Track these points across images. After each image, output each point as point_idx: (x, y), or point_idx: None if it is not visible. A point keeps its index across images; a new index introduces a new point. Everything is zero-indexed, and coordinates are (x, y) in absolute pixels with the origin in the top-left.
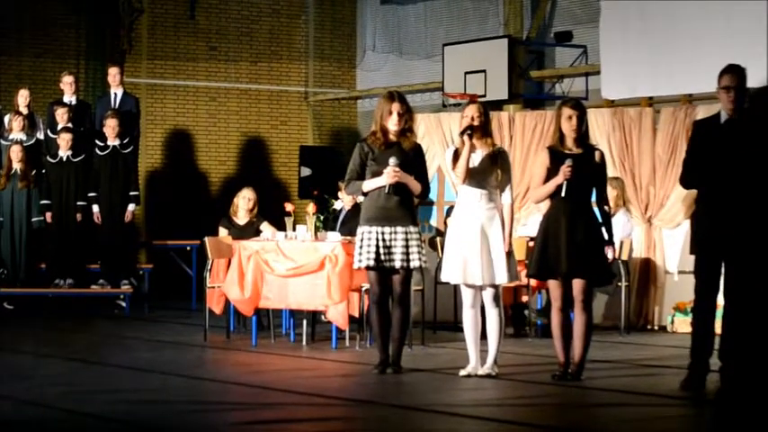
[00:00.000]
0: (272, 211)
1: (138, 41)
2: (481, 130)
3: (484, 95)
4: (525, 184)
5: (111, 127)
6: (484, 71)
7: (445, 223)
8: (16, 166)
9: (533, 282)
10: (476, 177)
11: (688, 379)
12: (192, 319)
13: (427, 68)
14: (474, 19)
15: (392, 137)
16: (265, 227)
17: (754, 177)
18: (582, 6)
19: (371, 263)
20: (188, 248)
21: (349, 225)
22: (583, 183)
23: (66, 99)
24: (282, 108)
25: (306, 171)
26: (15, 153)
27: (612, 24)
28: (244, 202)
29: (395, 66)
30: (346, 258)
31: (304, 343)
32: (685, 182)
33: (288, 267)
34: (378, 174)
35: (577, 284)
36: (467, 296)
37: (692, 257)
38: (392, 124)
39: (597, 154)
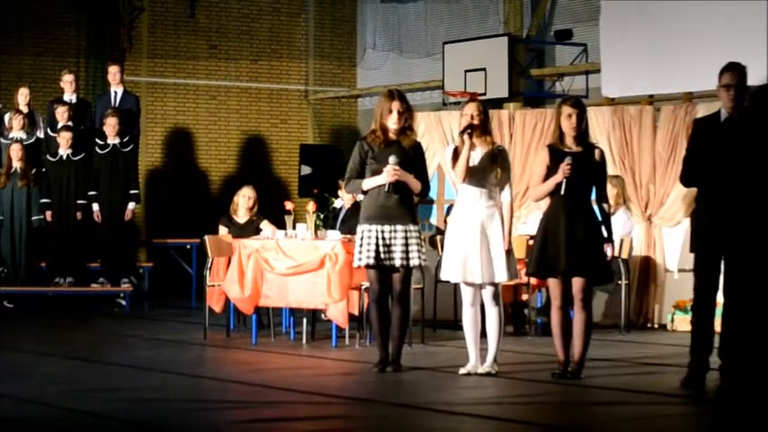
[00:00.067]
0: (272, 210)
1: (139, 40)
2: (481, 128)
3: (484, 94)
4: (525, 183)
5: (111, 125)
6: (484, 69)
7: (445, 221)
8: (16, 164)
9: (533, 280)
10: (475, 176)
11: (688, 377)
12: (191, 318)
13: (427, 67)
14: (474, 17)
15: (392, 135)
16: (265, 225)
17: (754, 176)
18: (582, 4)
19: (371, 261)
20: (188, 247)
21: (349, 223)
22: (582, 181)
23: (66, 97)
24: (283, 106)
25: (306, 169)
26: (15, 152)
27: (613, 22)
28: (244, 201)
29: (395, 64)
30: (346, 257)
31: (304, 341)
32: (685, 180)
33: (288, 266)
34: (378, 172)
35: (577, 283)
36: (466, 294)
37: (692, 256)
38: (392, 123)
39: (597, 152)
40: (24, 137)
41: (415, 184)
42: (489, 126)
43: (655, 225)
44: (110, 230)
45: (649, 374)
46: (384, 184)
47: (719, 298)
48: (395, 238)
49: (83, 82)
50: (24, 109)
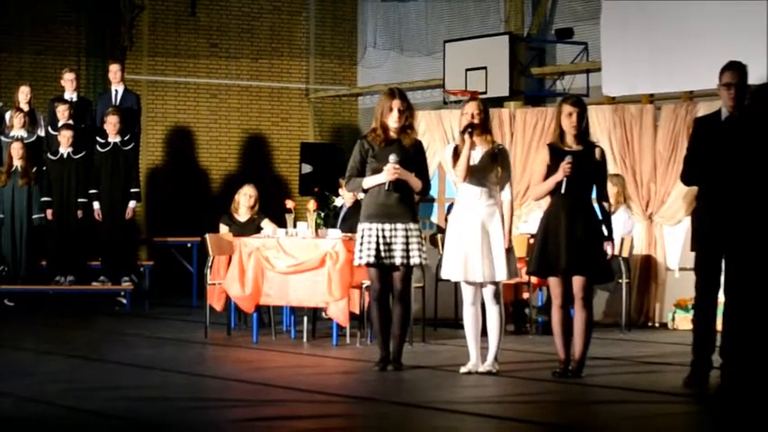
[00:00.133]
0: (272, 208)
1: (139, 38)
2: (481, 127)
3: (485, 92)
4: (526, 181)
5: (111, 124)
6: (485, 68)
7: (446, 220)
8: (17, 163)
9: (534, 279)
10: (476, 175)
11: (691, 376)
12: (192, 316)
13: (428, 65)
14: (475, 16)
15: (392, 134)
16: (266, 224)
17: (755, 174)
18: (583, 3)
19: (372, 260)
20: (189, 245)
21: (350, 222)
22: (583, 180)
23: (66, 96)
24: (283, 105)
25: (306, 168)
26: (16, 150)
27: (613, 21)
28: (245, 199)
29: (396, 63)
30: (347, 255)
31: (305, 340)
32: (686, 179)
33: (288, 264)
34: (378, 171)
35: (577, 281)
36: (467, 293)
37: (693, 254)
38: (392, 121)
39: (597, 151)
40: (25, 135)
41: (416, 183)
42: (490, 125)
43: (655, 224)
44: (110, 229)
45: (650, 373)
46: (384, 183)
47: (721, 297)
48: (395, 236)
49: (83, 80)
50: (25, 107)
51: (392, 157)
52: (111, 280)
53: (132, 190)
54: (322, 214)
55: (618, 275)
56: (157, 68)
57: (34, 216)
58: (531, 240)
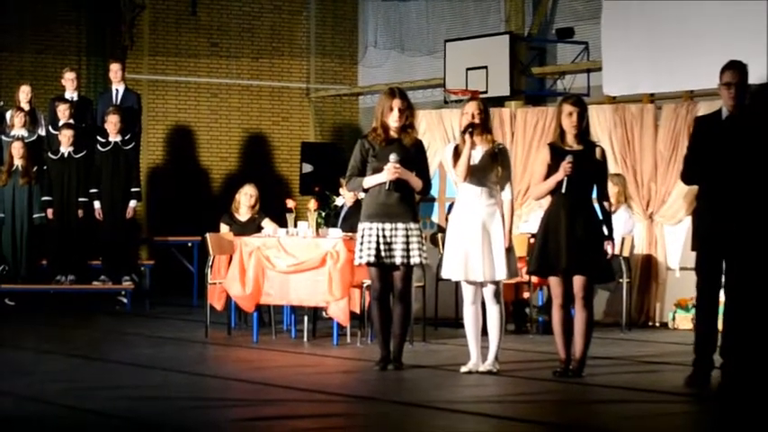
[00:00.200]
0: (273, 208)
1: (140, 37)
2: (481, 126)
3: (485, 92)
4: (527, 181)
5: (112, 123)
6: (485, 67)
7: (447, 220)
8: (18, 162)
9: (534, 278)
10: (476, 174)
11: (693, 375)
12: (193, 316)
13: (429, 65)
14: (475, 15)
15: (393, 133)
16: (267, 223)
17: (755, 174)
18: (583, 2)
19: (372, 259)
20: (189, 245)
21: (350, 221)
22: (583, 179)
23: (67, 95)
24: (284, 104)
25: (307, 167)
26: (17, 149)
27: (614, 21)
28: (245, 199)
29: (396, 62)
30: (347, 255)
31: (305, 339)
32: (686, 178)
33: (289, 264)
34: (378, 170)
35: (578, 281)
36: (467, 293)
37: (694, 254)
38: (393, 121)
39: (598, 150)
40: (26, 135)
41: (417, 183)
42: (490, 124)
43: (656, 223)
44: (111, 228)
45: (651, 373)
46: (385, 182)
47: (722, 296)
48: (395, 236)
49: (84, 80)
50: (26, 107)
51: (392, 157)
52: (112, 279)
53: (133, 189)
54: (323, 214)
55: (618, 275)
56: (158, 68)
57: (35, 215)
58: (532, 240)
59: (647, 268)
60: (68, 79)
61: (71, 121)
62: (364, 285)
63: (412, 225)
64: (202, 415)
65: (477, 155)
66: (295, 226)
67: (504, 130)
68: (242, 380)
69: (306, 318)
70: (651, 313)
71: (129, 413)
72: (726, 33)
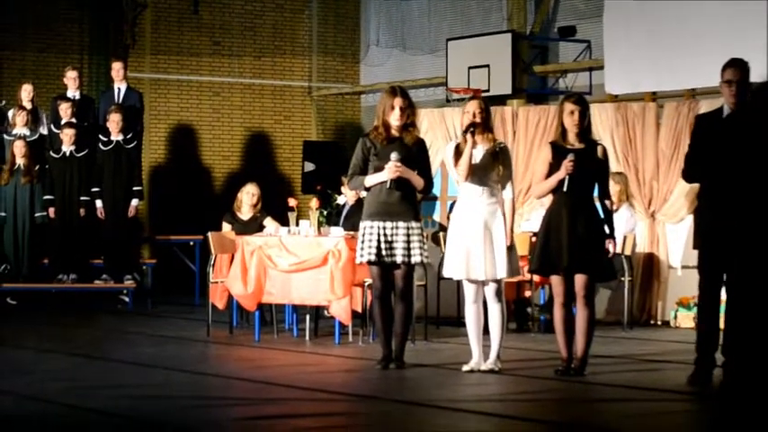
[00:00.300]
0: (275, 207)
1: (142, 36)
2: (482, 125)
3: (487, 90)
4: (528, 180)
5: (114, 122)
6: (487, 66)
7: (448, 218)
8: (20, 161)
9: (536, 277)
10: (477, 173)
11: (695, 374)
12: (194, 315)
13: (431, 63)
14: (477, 14)
15: (394, 132)
16: (269, 222)
17: (756, 171)
18: (585, 1)
19: (373, 258)
20: (191, 243)
21: (352, 220)
22: (585, 178)
23: (69, 94)
24: (286, 103)
25: (309, 166)
26: (19, 148)
27: (616, 19)
28: (247, 198)
29: (398, 61)
30: (349, 253)
31: (307, 338)
32: (687, 176)
33: (291, 262)
34: (380, 169)
35: (579, 280)
36: (469, 291)
37: (696, 252)
38: (394, 119)
39: (599, 149)
40: (27, 133)
41: (418, 181)
42: (491, 123)
43: (658, 222)
44: (113, 227)
45: (653, 371)
46: (386, 181)
47: (724, 295)
48: (396, 234)
49: (86, 78)
50: (28, 105)
51: (393, 156)
52: (114, 278)
53: (135, 188)
54: (324, 212)
55: (620, 273)
56: (160, 66)
57: (37, 214)
58: (534, 238)
59: (649, 267)
60: (70, 78)
61: (73, 119)
62: (366, 284)
63: (413, 224)
64: (204, 414)
65: (479, 154)
66: (297, 225)
67: (506, 128)
68: (244, 379)
69: (307, 317)
70: (653, 312)
71: (130, 412)
72: (727, 32)
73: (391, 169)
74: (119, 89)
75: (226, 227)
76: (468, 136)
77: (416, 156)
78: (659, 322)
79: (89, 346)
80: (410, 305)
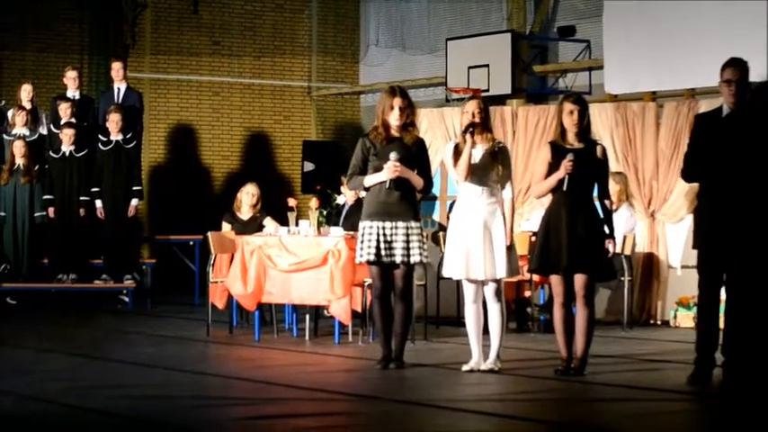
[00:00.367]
0: (275, 207)
1: (142, 36)
2: (482, 125)
3: (487, 90)
4: (528, 179)
5: (114, 122)
6: (487, 66)
7: (448, 218)
8: (19, 161)
9: (536, 277)
10: (477, 173)
11: (694, 374)
12: (194, 314)
13: (430, 63)
14: (477, 13)
15: (394, 132)
16: (268, 222)
17: (756, 171)
18: (585, 1)
19: (372, 258)
20: (191, 243)
21: (352, 220)
22: (584, 177)
23: (69, 94)
24: (286, 103)
25: (309, 166)
26: (18, 148)
27: (616, 19)
28: (247, 198)
29: (398, 60)
30: (349, 253)
31: (307, 338)
32: (686, 175)
33: (291, 262)
34: (379, 169)
35: (579, 279)
36: (468, 291)
37: (695, 252)
38: (394, 119)
39: (599, 149)
40: (27, 133)
41: (418, 181)
42: (490, 123)
43: (658, 221)
44: (112, 227)
45: (652, 371)
46: (385, 181)
47: (723, 294)
48: (396, 234)
49: (86, 78)
50: (27, 105)
51: (392, 155)
52: (114, 278)
53: (134, 188)
54: (324, 212)
55: (620, 273)
56: (160, 66)
57: (36, 214)
58: (533, 238)
59: (649, 266)
60: (70, 78)
61: (73, 119)
62: (366, 284)
63: (412, 224)
64: (204, 414)
65: (478, 154)
66: (296, 225)
67: (506, 128)
68: (244, 378)
69: (307, 316)
70: (653, 311)
71: (130, 412)
72: (727, 32)
73: (390, 169)
74: (118, 89)
75: (225, 227)
76: (468, 136)
77: (416, 155)
78: (659, 322)
79: (89, 345)
80: (410, 305)
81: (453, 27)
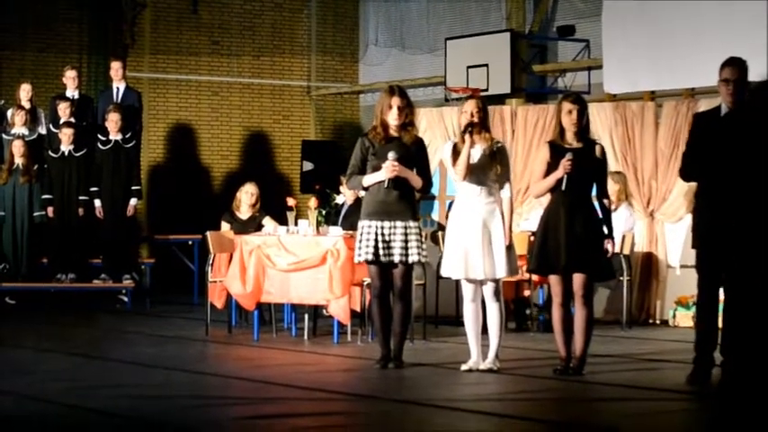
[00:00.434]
0: (274, 206)
1: (141, 36)
2: (480, 125)
3: (486, 90)
4: (527, 179)
5: (113, 121)
6: (486, 65)
7: (447, 218)
8: (18, 160)
9: (535, 277)
10: (475, 173)
11: (694, 373)
12: (193, 314)
13: (430, 63)
14: (476, 13)
15: (393, 131)
16: (267, 221)
17: (754, 170)
18: (584, 0)
19: (370, 257)
20: (190, 243)
21: (351, 219)
22: (583, 177)
23: (68, 93)
24: (285, 102)
25: (308, 165)
26: (17, 148)
27: (615, 18)
28: (246, 197)
29: (397, 60)
30: (348, 253)
31: (306, 337)
32: (685, 174)
33: (289, 262)
34: (377, 168)
35: (577, 279)
36: (467, 290)
37: (694, 251)
38: (392, 119)
39: (598, 148)
40: (26, 133)
41: (416, 181)
42: (488, 123)
43: (657, 221)
44: (112, 227)
45: (651, 370)
46: (384, 180)
47: (722, 294)
48: (394, 234)
49: (85, 78)
50: (26, 105)
51: (391, 155)
52: (113, 278)
53: (133, 187)
54: (323, 212)
55: (619, 273)
56: (159, 66)
57: (35, 214)
58: (532, 238)
59: (648, 266)
60: (69, 77)
61: (72, 119)
62: (365, 284)
63: (411, 223)
64: (203, 413)
65: (477, 153)
66: (295, 224)
67: (505, 127)
68: (243, 378)
69: (306, 316)
70: (651, 311)
71: (130, 412)
72: (726, 31)
73: (389, 168)
74: (117, 89)
75: (224, 226)
76: (467, 135)
77: (415, 155)
78: (658, 321)
79: (88, 345)
80: (409, 304)
81: (452, 26)
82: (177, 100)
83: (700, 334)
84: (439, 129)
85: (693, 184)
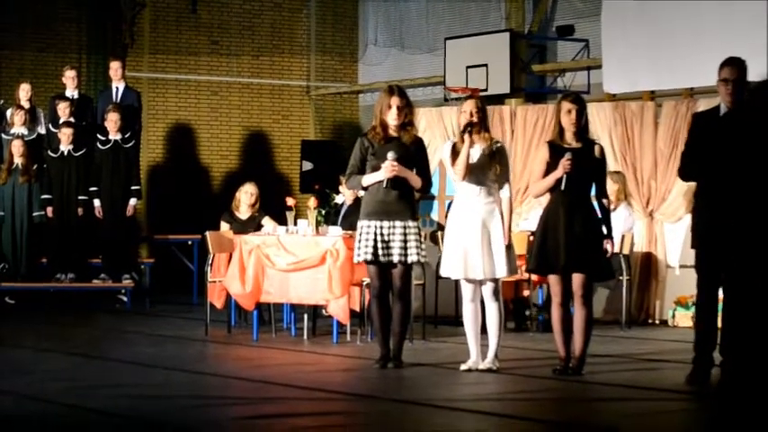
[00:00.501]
0: (273, 206)
1: (140, 36)
2: (479, 125)
3: (485, 89)
4: (527, 179)
5: (112, 121)
6: (486, 65)
7: (446, 217)
8: (17, 160)
9: (534, 276)
10: (474, 173)
11: (693, 373)
12: (193, 314)
13: (429, 62)
14: (476, 13)
15: (392, 131)
16: (267, 221)
17: (753, 170)
18: (584, 0)
19: (369, 257)
20: (189, 243)
21: (350, 219)
22: (582, 177)
23: (67, 93)
24: (284, 102)
25: (307, 165)
26: (17, 147)
27: (614, 18)
28: (246, 197)
29: (396, 60)
30: (347, 253)
31: (305, 337)
32: (683, 174)
33: (289, 262)
34: (377, 168)
35: (577, 279)
36: (466, 290)
37: (694, 251)
38: (392, 118)
39: (597, 148)
40: (26, 133)
41: (416, 180)
42: (487, 122)
43: (656, 221)
44: (111, 226)
45: (651, 370)
46: (383, 180)
47: (721, 294)
48: (393, 233)
49: (84, 78)
50: (26, 105)
51: (390, 155)
52: (112, 277)
53: (133, 187)
54: (323, 212)
55: (618, 273)
56: (158, 66)
57: (35, 213)
58: (532, 238)
59: (647, 266)
60: (69, 77)
61: (71, 119)
62: (364, 283)
63: (410, 223)
64: (203, 413)
65: (476, 153)
66: (295, 224)
67: (505, 127)
68: (242, 378)
69: (306, 316)
70: (651, 311)
71: (129, 412)
72: (726, 31)
73: (388, 168)
74: (117, 88)
75: (224, 226)
76: (466, 135)
77: (414, 155)
78: (657, 321)
79: (87, 345)
80: (408, 304)
81: (452, 26)
82: (176, 100)
83: (699, 334)
84: (438, 129)
85: (693, 184)
